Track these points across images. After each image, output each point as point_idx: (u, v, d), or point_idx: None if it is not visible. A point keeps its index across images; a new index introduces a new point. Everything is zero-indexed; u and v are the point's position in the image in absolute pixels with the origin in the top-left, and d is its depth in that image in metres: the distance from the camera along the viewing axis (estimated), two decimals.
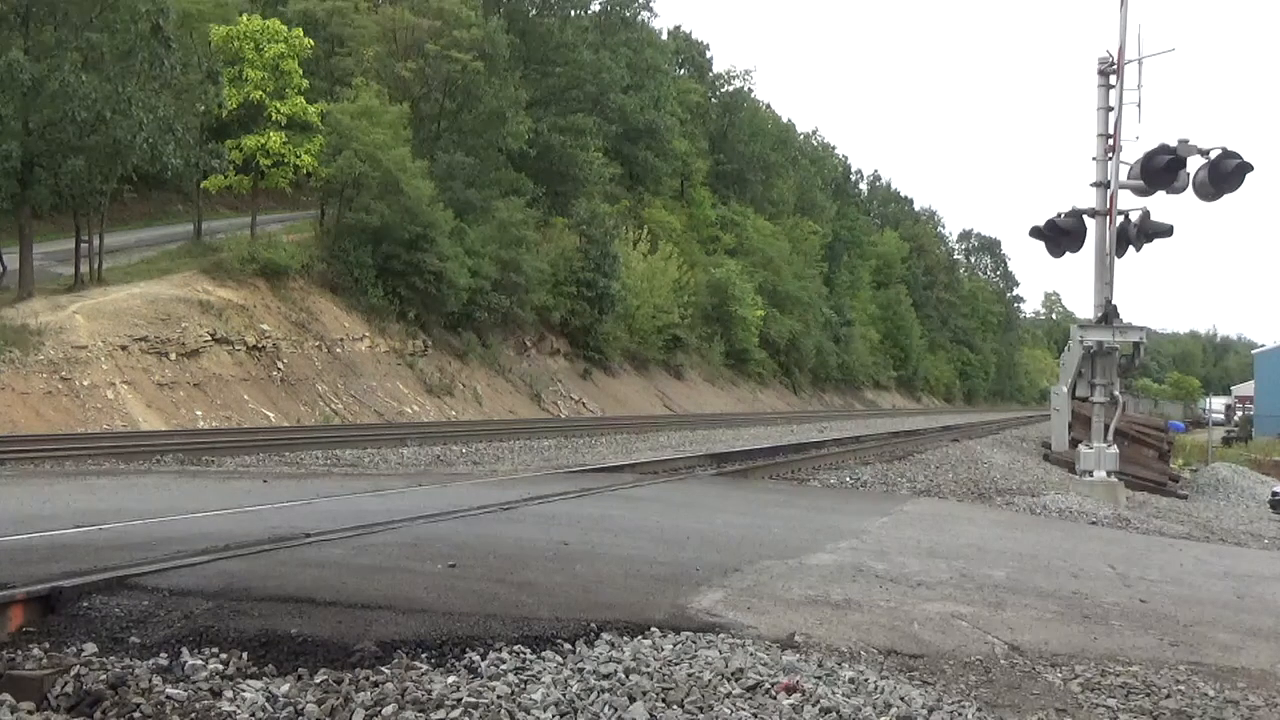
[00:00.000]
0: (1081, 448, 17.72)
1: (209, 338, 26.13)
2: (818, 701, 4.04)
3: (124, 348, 23.76)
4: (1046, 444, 27.68)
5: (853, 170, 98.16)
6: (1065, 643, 5.43)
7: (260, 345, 27.64)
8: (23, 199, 25.26)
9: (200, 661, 4.08)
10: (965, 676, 4.72)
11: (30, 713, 3.61)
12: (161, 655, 4.14)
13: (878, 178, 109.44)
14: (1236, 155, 16.10)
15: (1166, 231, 17.36)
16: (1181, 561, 9.23)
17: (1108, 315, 17.31)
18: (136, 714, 3.62)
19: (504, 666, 4.20)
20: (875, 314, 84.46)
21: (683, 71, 69.25)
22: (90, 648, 4.16)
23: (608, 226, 44.03)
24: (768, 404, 58.85)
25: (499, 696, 3.85)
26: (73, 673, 3.84)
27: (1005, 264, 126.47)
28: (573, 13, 51.79)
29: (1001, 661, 5.01)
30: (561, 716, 3.78)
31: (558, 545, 6.88)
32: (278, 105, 31.07)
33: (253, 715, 3.64)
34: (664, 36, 67.49)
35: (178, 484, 10.88)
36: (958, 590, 6.50)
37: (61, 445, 15.39)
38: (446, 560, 5.98)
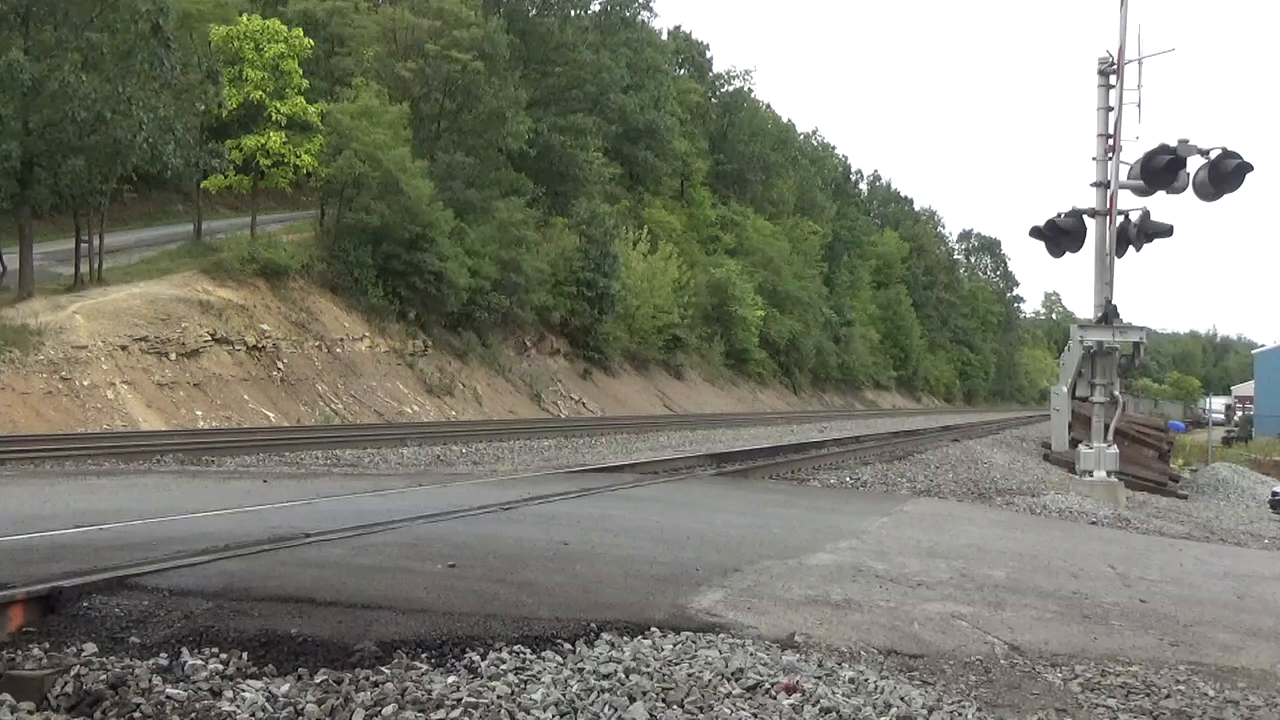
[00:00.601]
0: (1081, 448, 17.72)
1: (209, 338, 26.13)
2: (818, 701, 4.04)
3: (124, 348, 23.77)
4: (1046, 444, 27.68)
5: (853, 170, 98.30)
6: (1065, 643, 5.43)
7: (260, 345, 27.64)
8: (23, 199, 25.26)
9: (200, 661, 4.08)
10: (965, 676, 4.72)
11: (30, 713, 3.61)
12: (161, 655, 4.13)
13: (878, 178, 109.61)
14: (1236, 155, 16.10)
15: (1166, 231, 17.36)
16: (1181, 561, 9.23)
17: (1108, 315, 17.30)
18: (136, 714, 3.62)
19: (504, 666, 4.20)
20: (875, 314, 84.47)
21: (683, 71, 69.25)
22: (90, 648, 4.16)
23: (608, 226, 44.03)
24: (768, 404, 58.86)
25: (499, 696, 3.85)
26: (73, 673, 3.84)
27: (1005, 264, 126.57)
28: (573, 13, 51.80)
29: (1001, 661, 5.01)
30: (561, 716, 3.78)
31: (558, 545, 6.88)
32: (278, 105, 31.07)
33: (253, 715, 3.64)
34: (664, 36, 67.55)
35: (178, 484, 10.87)
36: (958, 590, 6.50)
37: (61, 445, 15.39)
38: (446, 560, 5.98)
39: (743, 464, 16.78)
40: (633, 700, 3.90)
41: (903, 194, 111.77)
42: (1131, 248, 17.46)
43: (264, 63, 30.91)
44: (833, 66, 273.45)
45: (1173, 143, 16.44)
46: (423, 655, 4.27)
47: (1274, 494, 26.14)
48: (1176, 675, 5.00)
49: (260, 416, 25.24)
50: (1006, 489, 16.04)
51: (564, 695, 3.92)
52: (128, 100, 23.74)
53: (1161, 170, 16.42)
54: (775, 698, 4.07)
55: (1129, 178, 17.09)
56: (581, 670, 4.21)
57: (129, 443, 16.55)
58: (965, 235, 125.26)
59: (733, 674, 4.28)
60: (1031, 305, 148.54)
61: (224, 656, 4.15)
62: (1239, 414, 78.70)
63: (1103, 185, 17.46)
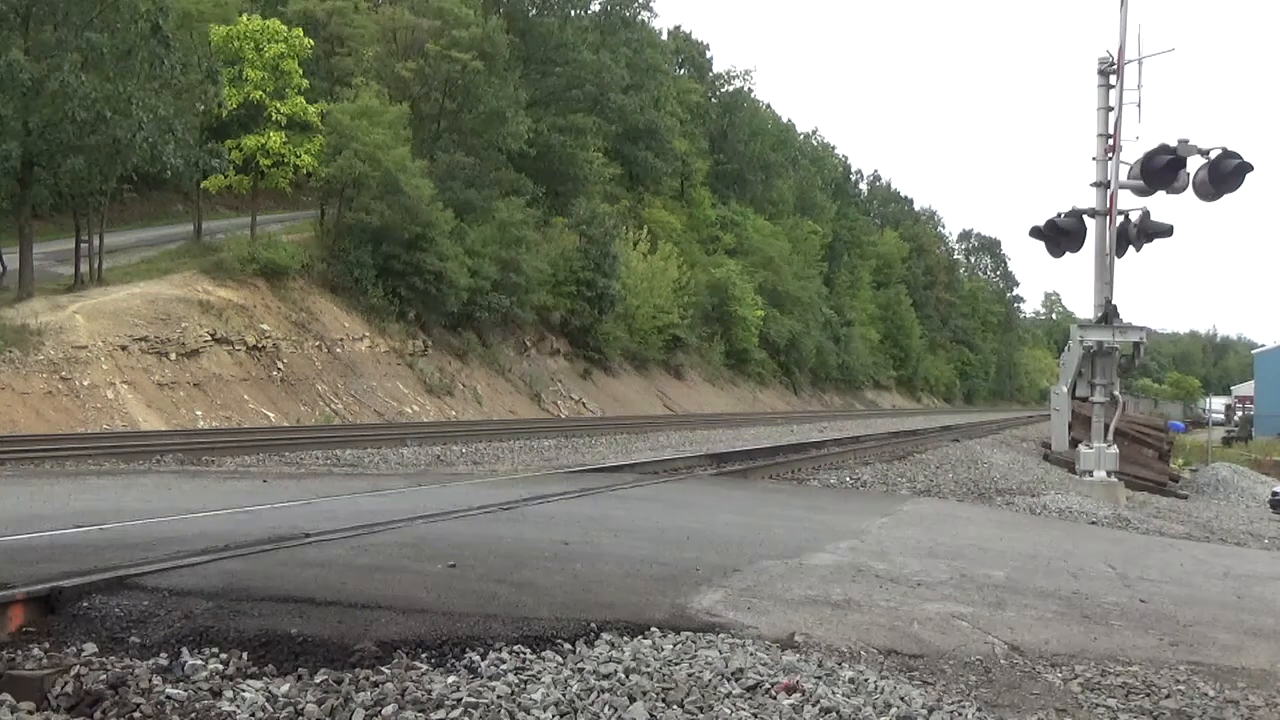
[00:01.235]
0: (1081, 448, 17.72)
1: (209, 338, 26.14)
2: (818, 701, 4.04)
3: (124, 348, 23.77)
4: (1046, 444, 27.68)
5: (853, 170, 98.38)
6: (1065, 643, 5.43)
7: (260, 345, 27.65)
8: (23, 199, 25.28)
9: (200, 661, 4.08)
10: (965, 676, 4.72)
11: (30, 713, 3.61)
12: (161, 655, 4.13)
13: (878, 178, 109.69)
14: (1236, 155, 16.11)
15: (1166, 231, 17.37)
16: (1181, 561, 9.23)
17: (1108, 315, 17.31)
18: (136, 714, 3.62)
19: (504, 666, 4.20)
20: (875, 314, 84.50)
21: (683, 71, 69.26)
22: (90, 648, 4.16)
23: (608, 226, 44.04)
24: (768, 404, 58.86)
25: (499, 696, 3.85)
26: (73, 673, 3.84)
27: (1005, 264, 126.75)
28: (573, 13, 51.81)
29: (1001, 661, 5.01)
30: (561, 716, 3.78)
31: (558, 545, 6.88)
32: (278, 105, 31.08)
33: (253, 715, 3.64)
34: (664, 36, 67.57)
35: (178, 484, 10.87)
36: (958, 590, 6.50)
37: (61, 445, 15.39)
38: (446, 560, 5.98)
39: (743, 464, 16.77)
40: (633, 700, 3.90)
41: (903, 194, 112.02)
42: (1131, 248, 17.47)
43: (264, 63, 30.92)
44: (832, 66, 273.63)
45: (1173, 143, 16.45)
46: (423, 655, 4.27)
47: (1274, 494, 26.12)
48: (1176, 675, 5.00)
49: (260, 416, 25.24)
50: (1006, 489, 16.04)
51: (564, 695, 3.92)
52: (128, 100, 23.76)
53: (1161, 170, 16.43)
54: (775, 698, 4.07)
55: (1129, 178, 17.10)
56: (581, 670, 4.21)
57: (129, 443, 16.55)
58: (965, 235, 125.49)
59: (733, 674, 4.28)
60: (1031, 305, 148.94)
61: (224, 656, 4.15)
62: (1239, 414, 78.71)
63: (1103, 185, 17.47)
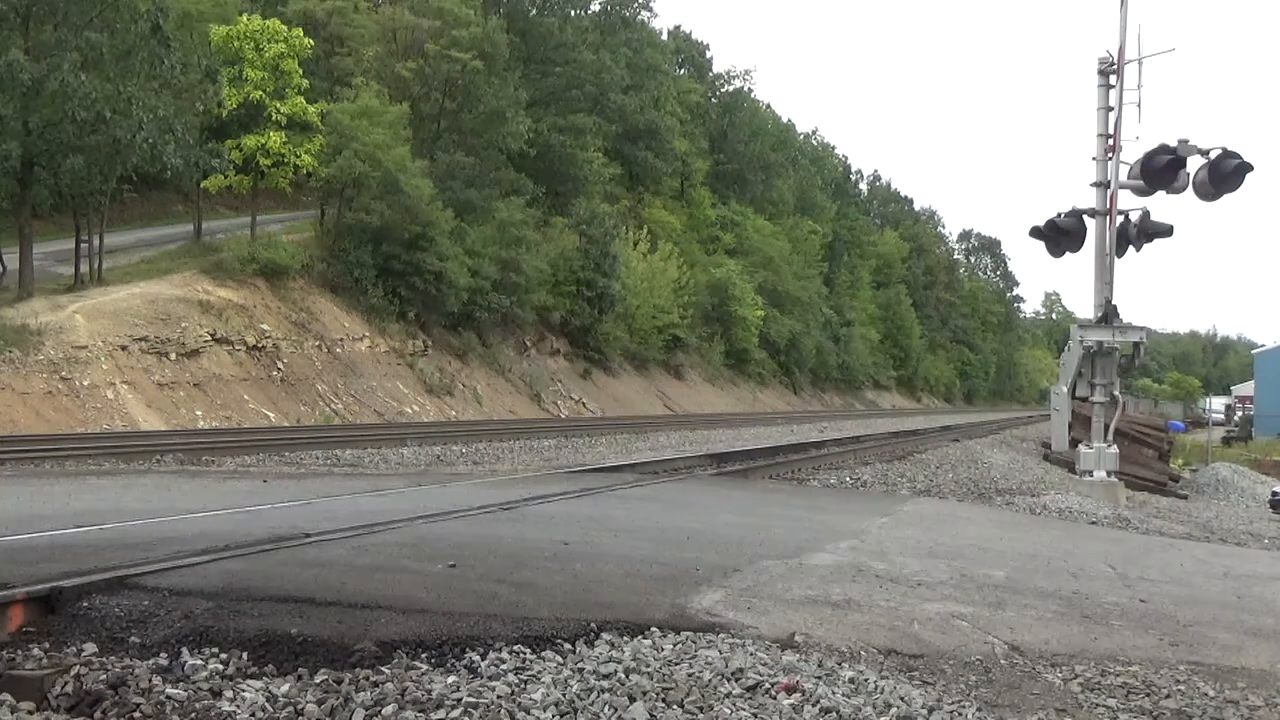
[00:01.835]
0: (1081, 448, 17.72)
1: (209, 338, 26.14)
2: (818, 701, 4.03)
3: (124, 348, 23.77)
4: (1046, 444, 27.69)
5: (853, 170, 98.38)
6: (1065, 643, 5.43)
7: (260, 345, 27.65)
8: (23, 199, 25.27)
9: (200, 661, 4.08)
10: (965, 676, 4.72)
11: (30, 713, 3.61)
12: (161, 655, 4.13)
13: (878, 178, 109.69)
14: (1236, 155, 16.11)
15: (1166, 231, 17.37)
16: (1181, 561, 9.23)
17: (1108, 315, 17.31)
18: (136, 714, 3.62)
19: (504, 666, 4.20)
20: (875, 314, 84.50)
21: (683, 71, 69.25)
22: (90, 648, 4.16)
23: (608, 226, 44.05)
24: (768, 404, 58.86)
25: (499, 696, 3.85)
26: (73, 673, 3.84)
27: (1005, 264, 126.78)
28: (573, 13, 51.79)
29: (1001, 661, 5.01)
30: (561, 716, 3.78)
31: (558, 545, 6.88)
32: (278, 105, 31.08)
33: (253, 715, 3.64)
34: (664, 36, 67.56)
35: (178, 484, 10.87)
36: (958, 590, 6.50)
37: (61, 445, 15.38)
38: (446, 560, 5.98)
39: (743, 464, 16.77)
40: (633, 700, 3.90)
41: (903, 194, 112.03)
42: (1131, 248, 17.47)
43: (264, 63, 30.91)
44: (832, 66, 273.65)
45: (1173, 143, 16.45)
46: (423, 655, 4.27)
47: (1274, 494, 26.11)
48: (1176, 675, 5.00)
49: (260, 416, 25.24)
50: (1006, 489, 16.04)
51: (564, 695, 3.92)
52: (127, 100, 23.76)
53: (1161, 170, 16.43)
54: (775, 698, 4.07)
55: (1129, 178, 17.10)
56: (581, 670, 4.21)
57: (129, 443, 16.55)
58: (965, 235, 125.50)
59: (733, 674, 4.28)
60: (1031, 305, 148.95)
61: (224, 656, 4.15)
62: (1239, 414, 78.72)
63: (1103, 185, 17.47)
